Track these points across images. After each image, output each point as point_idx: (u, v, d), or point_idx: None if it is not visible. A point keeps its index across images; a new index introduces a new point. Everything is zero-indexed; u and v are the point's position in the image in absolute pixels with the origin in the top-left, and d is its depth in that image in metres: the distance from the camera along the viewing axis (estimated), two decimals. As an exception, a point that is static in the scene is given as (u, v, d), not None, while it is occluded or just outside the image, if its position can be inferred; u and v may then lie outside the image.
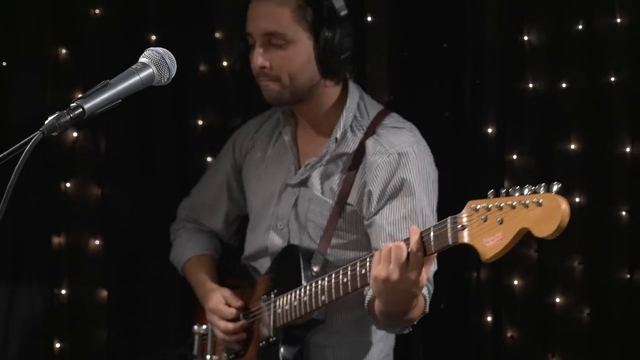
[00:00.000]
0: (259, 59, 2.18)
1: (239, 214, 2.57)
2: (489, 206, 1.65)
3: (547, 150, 3.40)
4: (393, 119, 2.34)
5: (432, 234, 1.78)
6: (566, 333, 3.40)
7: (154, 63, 1.65)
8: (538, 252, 3.45)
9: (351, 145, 2.27)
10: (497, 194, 1.66)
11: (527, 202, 1.57)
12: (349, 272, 1.99)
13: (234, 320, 2.36)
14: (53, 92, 3.32)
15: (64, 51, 3.45)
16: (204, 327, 2.49)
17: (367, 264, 1.94)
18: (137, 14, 3.52)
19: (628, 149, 3.23)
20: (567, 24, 3.32)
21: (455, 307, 3.56)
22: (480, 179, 3.55)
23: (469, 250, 3.43)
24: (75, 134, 3.49)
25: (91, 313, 3.56)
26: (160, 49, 1.67)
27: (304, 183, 2.31)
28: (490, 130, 3.53)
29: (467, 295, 3.61)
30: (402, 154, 2.20)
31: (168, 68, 1.67)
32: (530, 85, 3.42)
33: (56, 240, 3.49)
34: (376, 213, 2.18)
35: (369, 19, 3.63)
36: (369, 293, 2.11)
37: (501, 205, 1.63)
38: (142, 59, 1.65)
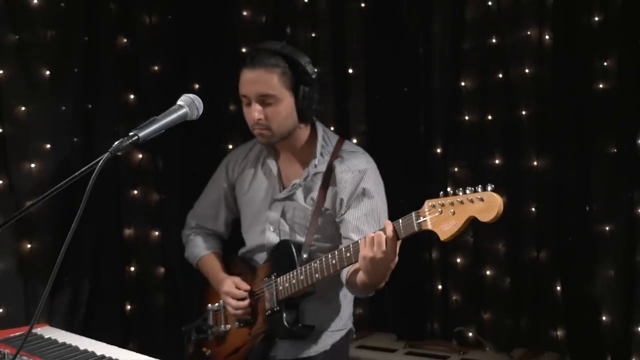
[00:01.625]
0: (256, 113, 2.22)
1: (234, 218, 2.64)
2: (443, 203, 1.77)
3: (478, 164, 3.51)
4: (348, 145, 2.39)
5: (401, 224, 1.88)
6: (493, 296, 3.52)
7: (187, 105, 1.80)
8: (473, 238, 3.58)
9: (322, 166, 2.32)
10: (446, 194, 1.80)
11: (472, 198, 1.69)
12: (336, 256, 2.07)
13: (243, 299, 2.43)
14: (124, 126, 3.40)
15: (132, 97, 3.57)
16: (216, 305, 2.51)
17: (351, 249, 2.04)
18: (184, 69, 3.65)
19: (535, 163, 3.35)
20: (491, 73, 3.44)
21: (415, 278, 3.69)
22: (431, 185, 3.66)
23: (424, 239, 3.61)
24: (140, 155, 3.61)
25: (153, 284, 3.67)
26: (191, 95, 1.81)
27: (290, 198, 2.37)
28: (438, 150, 3.65)
29: (422, 270, 3.72)
30: (362, 171, 2.29)
31: (196, 108, 1.82)
32: (466, 117, 3.55)
33: (127, 231, 3.59)
34: (345, 212, 2.28)
35: (350, 70, 3.79)
36: (344, 272, 2.21)
37: (452, 202, 1.74)
38: (178, 102, 1.80)
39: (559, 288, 3.29)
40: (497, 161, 3.46)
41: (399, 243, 1.94)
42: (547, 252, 3.33)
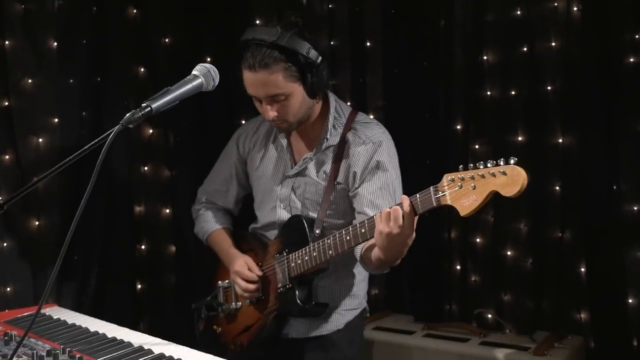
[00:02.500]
0: (269, 113, 2.18)
1: (245, 194, 2.60)
2: (463, 177, 1.71)
3: (500, 141, 3.42)
4: (362, 116, 2.34)
5: (418, 198, 1.83)
6: (514, 277, 3.44)
7: (203, 75, 1.72)
8: (494, 217, 3.50)
9: (335, 139, 2.28)
10: (466, 168, 1.73)
11: (493, 172, 1.63)
12: (350, 232, 2.05)
13: (252, 282, 2.39)
14: (134, 100, 3.37)
15: (142, 70, 3.53)
16: (227, 282, 2.48)
17: (366, 225, 1.99)
18: (196, 40, 3.59)
19: (560, 140, 3.26)
20: (515, 47, 3.34)
21: (433, 259, 3.63)
22: (450, 163, 3.55)
23: (443, 217, 3.55)
24: (151, 131, 3.57)
25: (163, 263, 3.65)
26: (207, 64, 1.74)
27: (301, 173, 2.33)
28: (458, 127, 3.56)
29: (441, 250, 3.65)
30: (376, 143, 2.24)
31: (212, 78, 1.74)
32: (488, 93, 3.45)
33: (137, 208, 3.57)
34: (359, 186, 2.23)
35: (368, 44, 3.69)
36: (358, 248, 2.16)
37: (472, 175, 1.68)
38: (194, 72, 1.73)
39: (583, 269, 3.21)
40: (520, 138, 3.37)
41: (416, 218, 1.89)
42: (571, 233, 3.25)
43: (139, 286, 3.57)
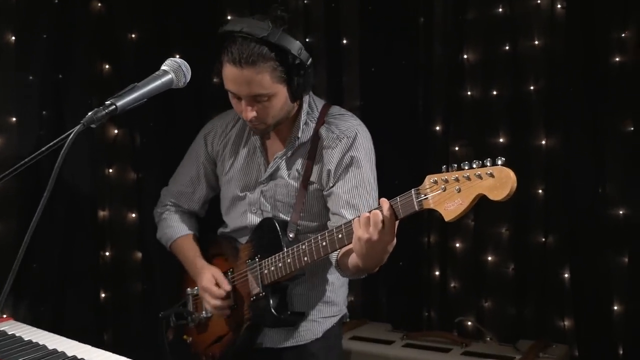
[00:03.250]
0: (248, 114, 2.02)
1: (212, 196, 2.45)
2: (446, 178, 1.60)
3: (481, 142, 3.37)
4: (335, 109, 2.20)
5: (399, 202, 1.71)
6: (496, 283, 3.39)
7: (173, 70, 1.60)
8: (474, 221, 3.44)
9: (307, 134, 2.15)
10: (449, 169, 1.61)
11: (480, 173, 1.53)
12: (326, 237, 1.92)
13: (223, 297, 2.24)
14: (98, 98, 3.20)
15: (107, 66, 3.39)
16: (196, 289, 2.35)
17: (343, 230, 1.87)
18: (163, 36, 3.46)
19: (543, 142, 3.22)
20: (496, 45, 3.29)
21: (411, 264, 3.56)
22: (430, 165, 3.51)
23: (422, 221, 3.49)
24: (116, 131, 3.43)
25: (129, 270, 3.51)
26: (178, 59, 1.61)
27: (273, 176, 2.21)
28: (438, 128, 3.51)
29: (420, 255, 3.59)
30: (350, 137, 2.09)
31: (184, 74, 1.61)
32: (469, 93, 3.40)
33: (101, 213, 3.43)
34: (334, 185, 2.10)
35: (344, 41, 3.62)
36: (334, 254, 2.04)
37: (457, 177, 1.57)
38: (163, 67, 1.60)
39: (567, 275, 3.17)
40: (501, 140, 3.32)
41: (397, 223, 1.76)
42: (554, 237, 3.21)
43: (103, 295, 3.42)
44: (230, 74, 1.98)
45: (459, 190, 1.57)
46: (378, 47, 3.53)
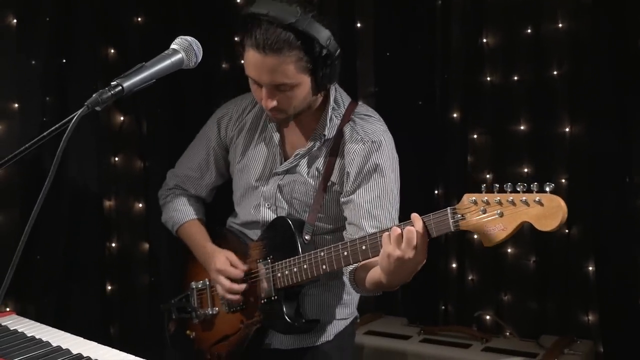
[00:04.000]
0: (268, 102, 1.93)
1: (220, 183, 2.36)
2: (487, 200, 1.52)
3: (501, 130, 3.30)
4: (363, 107, 2.12)
5: (432, 220, 1.64)
6: (516, 277, 3.31)
7: (183, 49, 1.51)
8: (494, 212, 3.34)
9: (331, 132, 2.05)
10: (490, 189, 1.53)
11: (526, 199, 1.46)
12: (349, 247, 1.83)
13: (239, 281, 2.15)
14: (103, 83, 3.14)
15: (112, 51, 3.33)
16: (201, 283, 2.28)
17: (367, 242, 1.78)
18: (171, 21, 3.41)
19: (567, 129, 3.14)
20: (518, 28, 3.22)
21: (428, 256, 3.44)
22: (447, 154, 3.47)
23: (437, 207, 3.43)
24: (122, 118, 3.38)
25: (136, 262, 3.47)
26: (189, 37, 1.53)
27: (291, 170, 2.11)
28: (455, 115, 3.44)
29: (436, 246, 3.48)
30: (376, 142, 2.00)
31: (195, 53, 1.53)
32: (488, 78, 3.32)
33: (107, 203, 3.38)
34: (353, 192, 2.00)
35: (358, 25, 3.55)
36: (351, 267, 1.96)
37: (500, 200, 1.50)
38: (173, 46, 1.52)
39: (591, 268, 3.09)
40: (522, 127, 3.25)
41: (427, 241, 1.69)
42: (579, 229, 3.13)
43: (109, 288, 3.37)
44: (253, 59, 1.88)
45: (501, 215, 1.50)
46: (393, 31, 3.45)
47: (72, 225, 3.14)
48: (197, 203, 2.39)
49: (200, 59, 1.54)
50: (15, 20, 2.84)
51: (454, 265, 3.48)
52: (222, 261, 2.16)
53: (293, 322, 2.05)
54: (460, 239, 3.44)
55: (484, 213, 1.52)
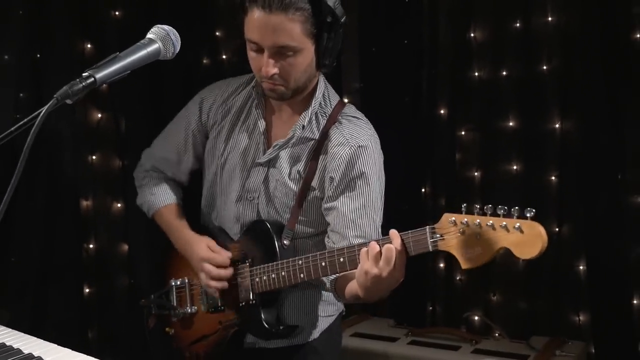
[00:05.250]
0: (269, 68, 1.87)
1: (197, 167, 2.27)
2: (467, 221, 1.50)
3: (490, 127, 3.29)
4: (351, 109, 2.06)
5: (410, 238, 1.62)
6: (505, 276, 3.28)
7: (160, 39, 1.46)
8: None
9: (315, 131, 2.00)
10: (470, 210, 1.51)
11: (506, 225, 1.43)
12: (327, 258, 1.80)
13: (225, 267, 2.08)
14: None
15: (89, 46, 3.29)
16: (179, 281, 2.22)
17: (346, 254, 1.76)
18: (150, 15, 3.35)
19: (557, 125, 3.13)
20: (507, 22, 3.20)
21: (415, 256, 3.41)
22: (435, 151, 3.46)
23: (426, 210, 3.40)
24: (99, 115, 3.34)
25: (114, 263, 3.44)
26: (166, 26, 1.47)
27: (272, 163, 2.05)
28: (442, 111, 3.43)
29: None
30: (362, 147, 1.94)
31: (172, 43, 1.47)
32: (476, 74, 3.31)
33: (84, 203, 3.34)
34: (336, 199, 1.96)
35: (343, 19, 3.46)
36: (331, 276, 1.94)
37: (479, 222, 1.47)
38: (149, 35, 1.47)
39: (582, 267, 3.08)
40: (511, 124, 3.23)
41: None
42: (569, 227, 3.11)
43: (87, 290, 3.34)
44: (257, 19, 1.82)
45: (479, 238, 1.47)
46: (379, 25, 3.43)
47: (48, 225, 3.12)
48: (176, 187, 2.31)
49: (178, 49, 1.48)
50: (-14, 14, 2.82)
51: (441, 265, 3.45)
52: (204, 248, 2.10)
53: (270, 328, 2.02)
54: (449, 239, 3.41)
55: (463, 235, 1.49)
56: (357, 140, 1.94)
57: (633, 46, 2.87)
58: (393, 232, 1.63)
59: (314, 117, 1.99)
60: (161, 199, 2.24)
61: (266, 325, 2.00)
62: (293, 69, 1.86)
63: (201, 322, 2.18)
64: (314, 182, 1.98)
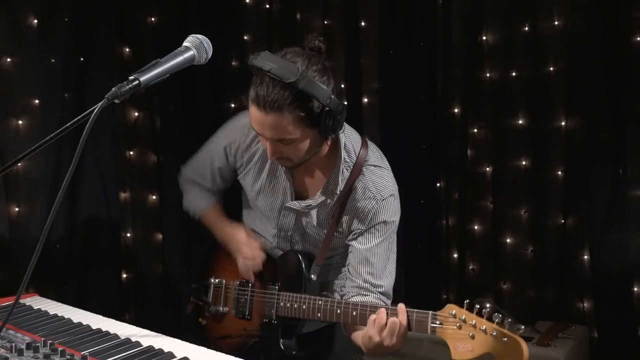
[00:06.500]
0: (273, 154, 1.94)
1: (230, 186, 2.37)
2: (465, 318, 1.63)
3: (500, 125, 3.37)
4: (373, 155, 2.09)
5: (415, 317, 1.76)
6: (514, 266, 3.39)
7: (195, 46, 1.59)
8: (493, 203, 3.44)
9: (341, 185, 2.04)
10: (471, 306, 1.63)
11: (496, 332, 1.55)
12: (342, 307, 1.92)
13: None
14: (119, 80, 3.19)
15: (127, 50, 3.42)
16: (217, 280, 2.31)
17: (358, 310, 1.88)
18: (183, 21, 3.49)
19: (563, 123, 3.20)
20: (516, 26, 3.29)
21: (430, 246, 3.58)
22: (448, 148, 3.54)
23: (440, 203, 3.51)
24: (136, 114, 3.46)
25: (150, 251, 3.55)
26: (200, 36, 1.60)
27: (303, 213, 2.13)
28: (456, 110, 3.51)
29: (438, 237, 3.59)
30: (386, 200, 2.03)
31: (205, 50, 1.60)
32: (487, 75, 3.40)
33: (123, 195, 3.45)
34: (355, 239, 2.06)
35: (363, 24, 3.62)
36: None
37: (475, 323, 1.60)
38: (185, 43, 1.60)
39: (586, 257, 3.16)
40: (520, 121, 3.32)
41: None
42: (574, 219, 3.20)
43: (125, 276, 3.46)
44: (255, 115, 1.88)
45: (472, 337, 1.59)
46: (396, 30, 3.52)
47: (90, 215, 3.21)
48: (214, 195, 2.41)
49: (210, 56, 1.61)
50: (36, 21, 2.93)
51: (455, 256, 3.56)
52: (242, 233, 2.23)
53: (285, 351, 2.11)
54: (461, 231, 3.52)
55: (460, 329, 1.62)
56: (382, 194, 2.01)
57: (633, 48, 2.94)
58: (400, 307, 1.76)
59: (341, 175, 2.04)
60: (204, 202, 2.36)
61: (282, 347, 2.09)
62: (295, 152, 1.92)
63: (229, 323, 2.28)
64: (341, 228, 2.07)
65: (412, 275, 3.59)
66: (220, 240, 2.34)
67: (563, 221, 3.21)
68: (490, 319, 1.58)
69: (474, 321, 1.60)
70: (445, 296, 3.61)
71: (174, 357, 1.65)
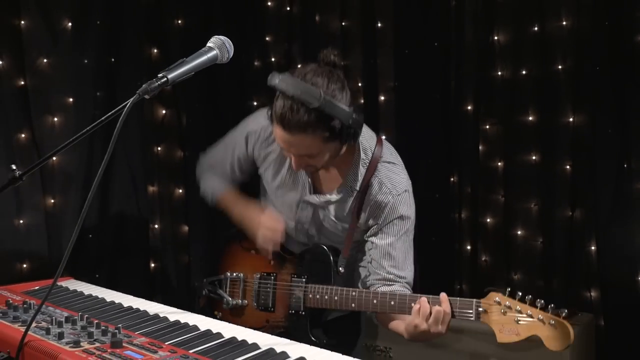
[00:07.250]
0: (297, 166, 2.04)
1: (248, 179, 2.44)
2: (509, 305, 1.71)
3: (511, 121, 3.43)
4: (387, 152, 2.16)
5: (458, 304, 1.84)
6: (525, 257, 3.44)
7: (217, 47, 1.71)
8: (504, 197, 3.50)
9: (359, 181, 2.12)
10: (513, 294, 1.73)
11: (543, 318, 1.64)
12: (379, 298, 1.97)
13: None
14: (147, 80, 3.21)
15: (155, 51, 3.53)
16: (235, 274, 2.34)
17: (397, 299, 1.94)
18: (208, 23, 3.60)
19: (571, 119, 3.25)
20: (525, 26, 3.34)
21: (444, 239, 3.64)
22: (461, 143, 3.60)
23: (452, 196, 3.56)
24: (164, 112, 3.57)
25: (176, 242, 3.65)
26: (222, 37, 1.72)
27: (322, 206, 2.20)
28: (469, 107, 3.58)
29: (451, 230, 3.66)
30: (402, 195, 2.10)
31: (227, 50, 1.72)
32: (499, 73, 3.46)
33: (151, 188, 3.57)
34: (375, 235, 2.13)
35: (379, 24, 3.69)
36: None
37: (520, 309, 1.69)
38: (208, 44, 1.72)
39: (593, 248, 3.21)
40: (530, 118, 3.38)
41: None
42: (581, 211, 3.25)
43: (152, 265, 3.57)
44: (280, 135, 1.96)
45: (517, 322, 1.69)
46: (411, 30, 3.59)
47: (120, 208, 3.33)
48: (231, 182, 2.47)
49: (232, 55, 1.73)
50: (70, 24, 3.08)
51: (468, 247, 3.62)
52: (262, 212, 2.28)
53: (315, 339, 2.14)
54: (474, 224, 3.59)
55: (504, 315, 1.71)
56: (397, 189, 2.10)
57: (636, 47, 2.98)
58: (443, 296, 1.86)
59: (359, 172, 2.12)
60: (222, 185, 2.42)
61: (312, 337, 2.13)
62: (319, 161, 2.02)
63: (249, 315, 2.31)
64: (360, 222, 2.15)
65: (426, 266, 3.64)
66: (239, 219, 2.34)
67: (571, 213, 3.26)
68: (533, 304, 1.68)
69: (519, 307, 1.69)
70: (459, 287, 3.66)
71: (198, 329, 1.78)
